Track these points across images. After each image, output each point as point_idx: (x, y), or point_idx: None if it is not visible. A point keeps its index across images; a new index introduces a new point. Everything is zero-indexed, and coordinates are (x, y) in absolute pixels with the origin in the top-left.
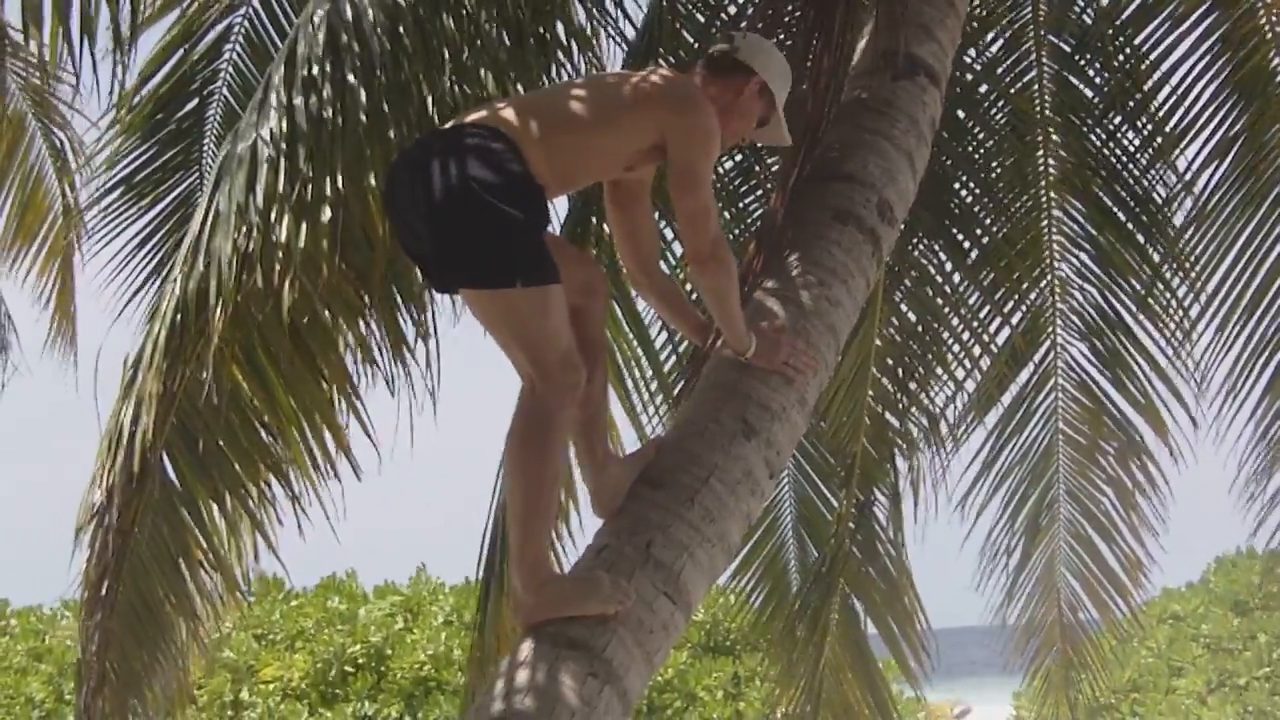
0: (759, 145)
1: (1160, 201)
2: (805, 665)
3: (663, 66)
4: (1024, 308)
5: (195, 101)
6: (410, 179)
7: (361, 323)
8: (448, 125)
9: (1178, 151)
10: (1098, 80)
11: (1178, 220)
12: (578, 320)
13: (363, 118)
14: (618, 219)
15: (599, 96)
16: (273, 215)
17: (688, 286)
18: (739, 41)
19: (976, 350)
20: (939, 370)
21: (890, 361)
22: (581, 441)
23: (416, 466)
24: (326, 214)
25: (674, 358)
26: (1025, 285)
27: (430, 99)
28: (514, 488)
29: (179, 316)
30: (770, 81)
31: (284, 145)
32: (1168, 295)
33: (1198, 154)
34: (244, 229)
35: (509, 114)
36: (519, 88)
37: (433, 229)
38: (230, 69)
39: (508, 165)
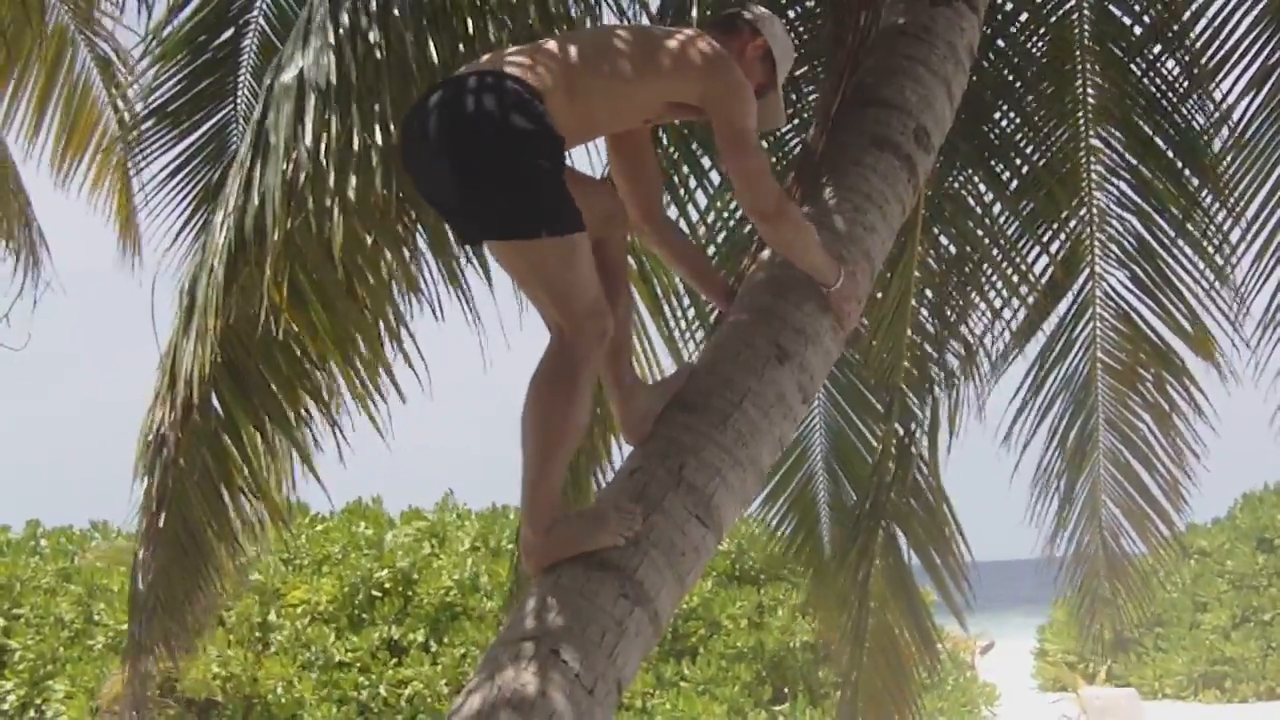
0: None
1: (1199, 130)
2: (854, 597)
3: (690, 27)
4: (1063, 237)
5: (231, 31)
6: (428, 129)
7: (405, 250)
8: (465, 71)
9: (1215, 83)
10: (1137, 9)
11: (1217, 149)
12: (600, 250)
13: (408, 49)
14: (620, 164)
15: (636, 48)
16: (321, 147)
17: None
18: (751, 7)
19: (1015, 280)
20: (978, 301)
21: (930, 293)
22: (608, 370)
23: (442, 393)
24: (373, 145)
25: None
26: (1065, 215)
27: (471, 29)
28: (534, 430)
29: (234, 251)
30: (774, 48)
31: (331, 77)
32: (1206, 223)
33: (1235, 84)
34: (292, 160)
35: (530, 60)
36: (563, 26)
37: (455, 180)
38: None
39: (529, 114)
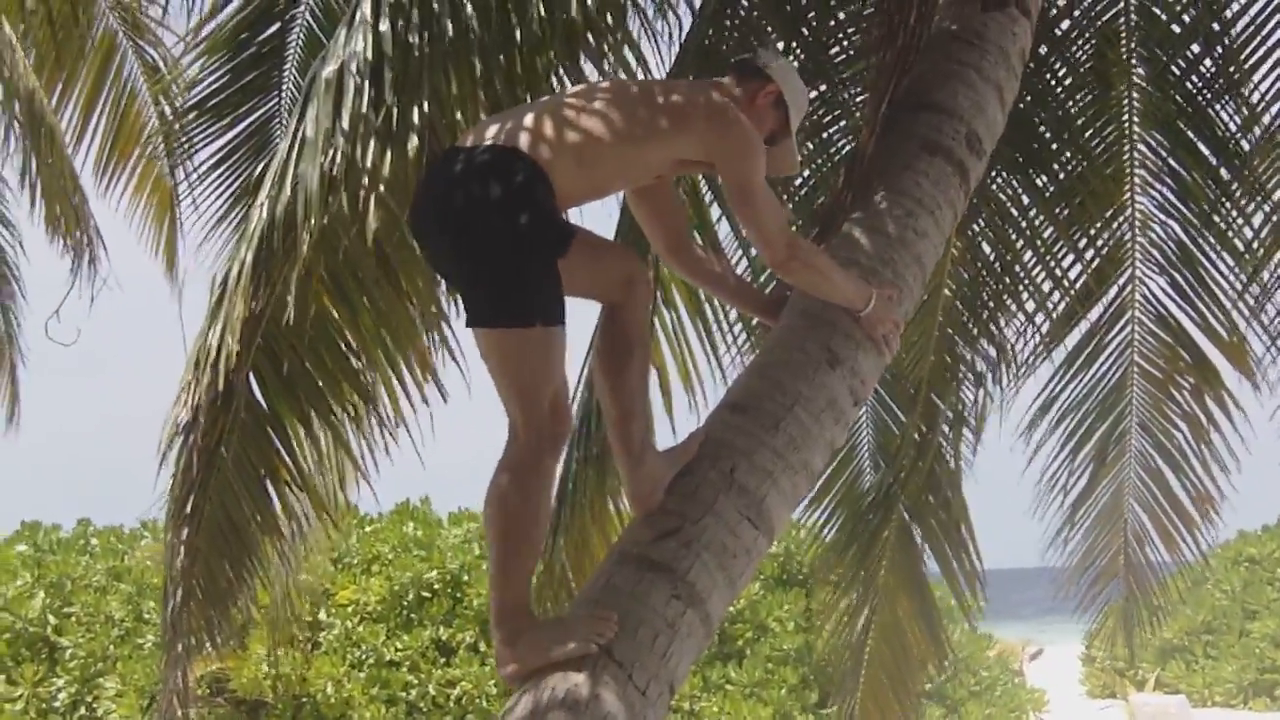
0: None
1: (1234, 132)
2: (858, 589)
3: (696, 80)
4: (1101, 241)
5: (277, 25)
6: (435, 211)
7: None
8: (471, 145)
9: (1253, 86)
10: (1178, 9)
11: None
12: (616, 317)
13: (449, 45)
14: (639, 203)
15: (642, 110)
16: (359, 139)
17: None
18: (763, 53)
19: (1049, 285)
20: (1010, 303)
21: (967, 291)
22: (618, 436)
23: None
24: (413, 140)
25: None
26: (1104, 219)
27: (518, 28)
28: (498, 536)
29: (266, 240)
30: (786, 94)
31: (370, 70)
32: (1248, 229)
33: (1271, 87)
34: (330, 153)
35: (539, 127)
36: (609, 19)
37: (459, 265)
38: None
39: (530, 198)
